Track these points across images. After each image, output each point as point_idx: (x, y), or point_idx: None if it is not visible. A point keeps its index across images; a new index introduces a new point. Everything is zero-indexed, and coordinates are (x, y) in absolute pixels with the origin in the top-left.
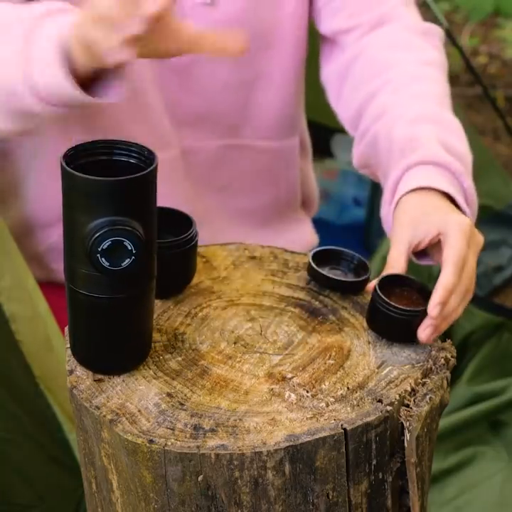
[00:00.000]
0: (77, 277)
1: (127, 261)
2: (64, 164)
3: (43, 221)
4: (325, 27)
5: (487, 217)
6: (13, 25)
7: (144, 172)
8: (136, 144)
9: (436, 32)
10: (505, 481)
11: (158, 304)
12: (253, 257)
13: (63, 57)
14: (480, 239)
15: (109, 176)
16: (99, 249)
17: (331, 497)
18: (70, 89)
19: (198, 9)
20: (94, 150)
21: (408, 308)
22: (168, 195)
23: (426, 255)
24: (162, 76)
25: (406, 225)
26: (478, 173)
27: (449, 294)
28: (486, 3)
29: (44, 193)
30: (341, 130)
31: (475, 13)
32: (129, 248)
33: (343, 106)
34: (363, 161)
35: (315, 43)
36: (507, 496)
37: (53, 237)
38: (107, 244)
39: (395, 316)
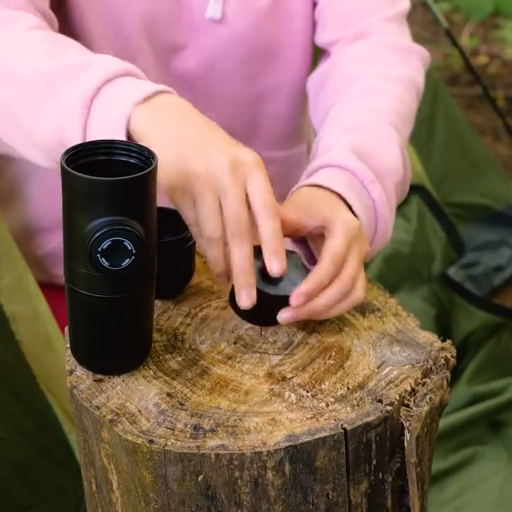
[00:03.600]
0: (77, 277)
1: (127, 261)
2: (64, 164)
3: (43, 226)
4: (317, 39)
5: (487, 217)
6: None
7: (144, 172)
8: (136, 144)
9: (418, 52)
10: (505, 481)
11: (158, 304)
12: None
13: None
14: (365, 245)
15: (109, 176)
16: (99, 250)
17: (331, 497)
18: None
19: (207, 25)
20: (94, 150)
21: (273, 294)
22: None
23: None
24: None
25: (294, 210)
26: (479, 173)
27: (317, 286)
28: (486, 3)
29: (45, 198)
30: None
31: (475, 13)
32: (129, 248)
33: (314, 116)
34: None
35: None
36: (507, 496)
37: (53, 242)
38: (107, 244)
39: (259, 302)
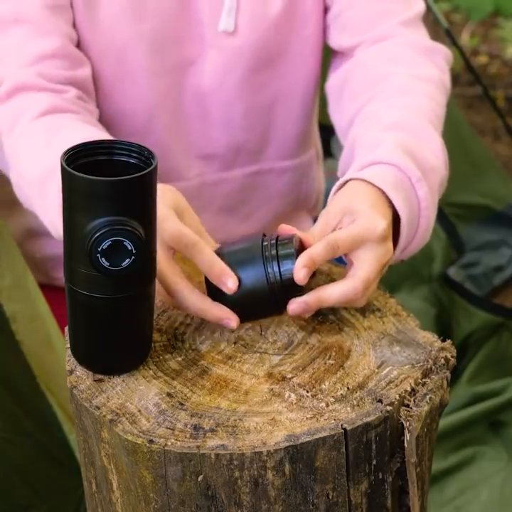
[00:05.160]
0: (77, 277)
1: (127, 261)
2: (64, 164)
3: (44, 229)
4: (333, 42)
5: (487, 217)
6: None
7: (144, 172)
8: (136, 144)
9: (442, 51)
10: (505, 481)
11: (158, 304)
12: None
13: None
14: (386, 251)
15: (109, 176)
16: (99, 250)
17: (331, 497)
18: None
19: (220, 38)
20: (94, 150)
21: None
22: None
23: None
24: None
25: (333, 212)
26: (478, 173)
27: (311, 264)
28: (486, 3)
29: None
30: None
31: (475, 13)
32: (129, 248)
33: (338, 117)
34: (343, 167)
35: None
36: (507, 496)
37: (54, 245)
38: (107, 244)
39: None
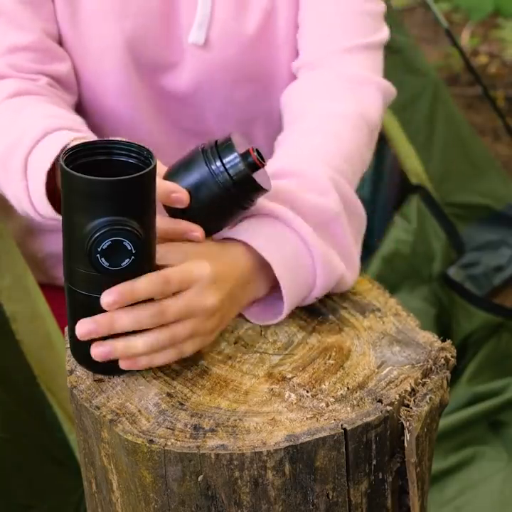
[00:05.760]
0: (76, 277)
1: (127, 261)
2: (63, 164)
3: (44, 228)
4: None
5: (487, 217)
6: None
7: (143, 172)
8: (135, 143)
9: (377, 83)
10: (505, 481)
11: None
12: None
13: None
14: (211, 300)
15: (108, 176)
16: (99, 250)
17: (331, 497)
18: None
19: (191, 50)
20: (93, 150)
21: None
22: None
23: None
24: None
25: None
26: (479, 173)
27: (131, 294)
28: (486, 3)
29: None
30: None
31: (475, 13)
32: (129, 248)
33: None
34: None
35: None
36: (507, 496)
37: (54, 244)
38: (107, 244)
39: None
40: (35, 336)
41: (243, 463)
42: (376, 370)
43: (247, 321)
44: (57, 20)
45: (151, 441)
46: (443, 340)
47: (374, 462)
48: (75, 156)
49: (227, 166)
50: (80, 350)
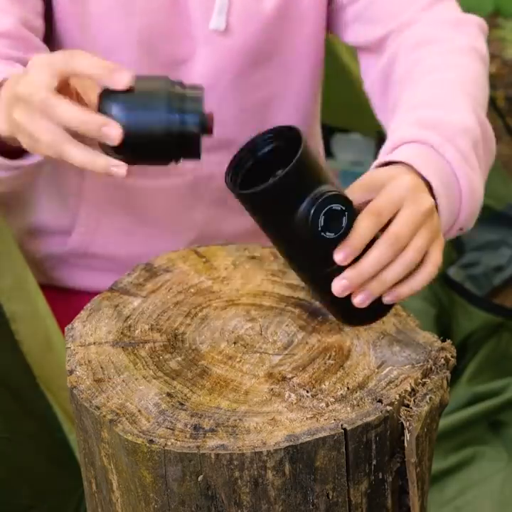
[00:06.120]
0: (313, 274)
1: (344, 221)
2: (242, 192)
3: (43, 229)
4: (358, 39)
5: (487, 217)
6: None
7: (301, 148)
8: (269, 131)
9: (471, 20)
10: (505, 481)
11: (158, 304)
12: (253, 257)
13: None
14: (424, 203)
15: (266, 174)
16: (321, 225)
17: (331, 497)
18: None
19: (210, 37)
20: (242, 161)
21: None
22: (179, 221)
23: None
24: None
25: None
26: None
27: (358, 242)
28: (486, 3)
29: (46, 202)
30: (341, 130)
31: (475, 13)
32: (339, 209)
33: (383, 116)
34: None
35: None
36: (507, 496)
37: (54, 245)
38: (324, 217)
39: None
40: (35, 336)
41: (243, 463)
42: (376, 370)
43: (249, 320)
44: (60, 18)
45: (151, 441)
46: (443, 340)
47: (374, 462)
48: (235, 174)
49: (186, 120)
50: (347, 312)
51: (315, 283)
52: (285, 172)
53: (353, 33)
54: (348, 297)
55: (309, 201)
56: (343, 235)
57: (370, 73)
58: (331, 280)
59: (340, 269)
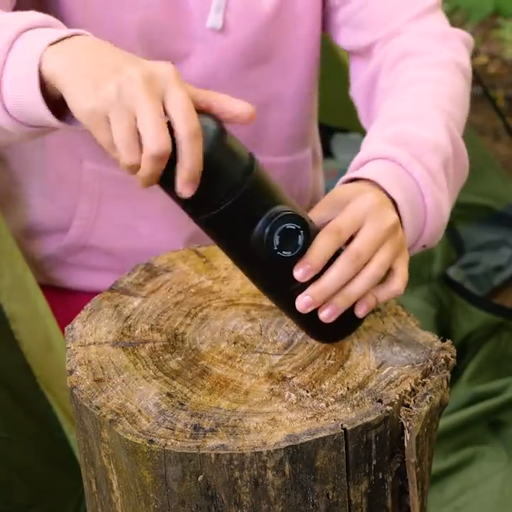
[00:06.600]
0: (272, 294)
1: (300, 240)
2: (200, 217)
3: (42, 230)
4: (347, 42)
5: (487, 217)
6: None
7: (253, 171)
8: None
9: (457, 35)
10: (505, 481)
11: (158, 304)
12: None
13: (38, 76)
14: (388, 219)
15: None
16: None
17: (331, 497)
18: (41, 109)
19: (208, 35)
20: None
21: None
22: (178, 215)
23: None
24: None
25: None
26: (479, 173)
27: (317, 259)
28: (486, 3)
29: (44, 202)
30: (341, 130)
31: (475, 13)
32: (294, 228)
33: (366, 122)
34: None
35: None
36: (507, 496)
37: (52, 246)
38: (278, 237)
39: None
40: (35, 336)
41: (243, 463)
42: (376, 370)
43: (249, 320)
44: (68, 12)
45: (151, 441)
46: (443, 340)
47: (374, 462)
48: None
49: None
50: (317, 329)
51: (281, 302)
52: (237, 196)
53: (344, 36)
54: (316, 314)
55: (264, 221)
56: (300, 253)
57: (358, 77)
58: (296, 298)
59: (304, 286)
